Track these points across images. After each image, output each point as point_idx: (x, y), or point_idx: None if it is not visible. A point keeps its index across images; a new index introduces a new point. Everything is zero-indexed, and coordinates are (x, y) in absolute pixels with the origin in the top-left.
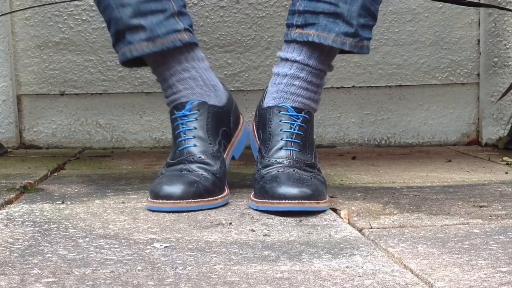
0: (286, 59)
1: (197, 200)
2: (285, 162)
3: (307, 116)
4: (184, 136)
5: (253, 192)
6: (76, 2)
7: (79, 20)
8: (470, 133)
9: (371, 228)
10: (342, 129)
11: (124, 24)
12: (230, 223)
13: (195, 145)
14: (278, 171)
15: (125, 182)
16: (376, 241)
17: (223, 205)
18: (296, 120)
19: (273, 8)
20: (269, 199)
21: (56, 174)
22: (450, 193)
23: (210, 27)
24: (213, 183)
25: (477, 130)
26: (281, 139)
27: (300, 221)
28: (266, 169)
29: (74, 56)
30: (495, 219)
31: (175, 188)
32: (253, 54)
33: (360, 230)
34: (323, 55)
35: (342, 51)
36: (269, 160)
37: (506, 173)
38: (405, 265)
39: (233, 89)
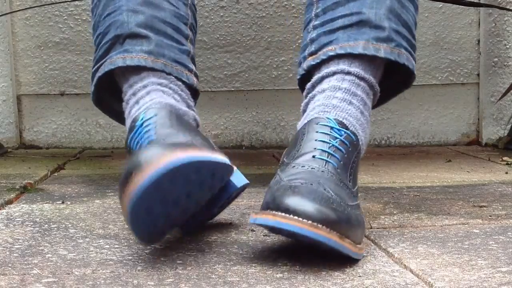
0: (313, 87)
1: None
2: (317, 172)
3: (352, 137)
4: None
5: None
6: (76, 2)
7: (79, 20)
8: (470, 133)
9: (371, 228)
10: None
11: (129, 29)
12: (230, 223)
13: None
14: (302, 183)
15: None
16: (376, 241)
17: None
18: (338, 135)
19: (273, 8)
20: (271, 210)
21: (56, 174)
22: (450, 193)
23: (210, 27)
24: None
25: (477, 130)
26: (315, 149)
27: None
28: (289, 176)
29: (74, 56)
30: (495, 219)
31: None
32: (253, 54)
33: None
34: (362, 64)
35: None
36: (294, 166)
37: (506, 173)
38: (405, 265)
39: (233, 89)
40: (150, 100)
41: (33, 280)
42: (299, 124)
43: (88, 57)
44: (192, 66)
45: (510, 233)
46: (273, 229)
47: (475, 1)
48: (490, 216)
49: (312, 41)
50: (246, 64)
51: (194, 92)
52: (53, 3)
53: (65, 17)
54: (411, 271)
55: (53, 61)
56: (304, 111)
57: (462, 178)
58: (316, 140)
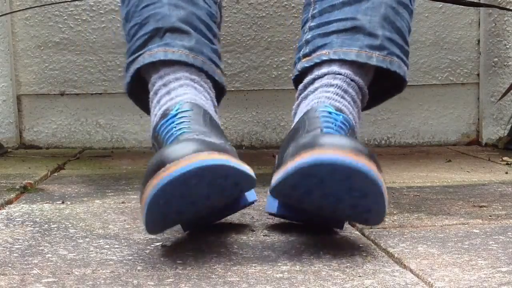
0: (305, 88)
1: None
2: (332, 126)
3: (352, 122)
4: None
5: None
6: (76, 2)
7: (79, 20)
8: (470, 133)
9: (371, 228)
10: None
11: (171, 23)
12: (230, 223)
13: None
14: (320, 130)
15: (125, 182)
16: (376, 241)
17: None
18: (337, 119)
19: (273, 8)
20: (304, 149)
21: (56, 174)
22: (450, 193)
23: None
24: None
25: (477, 130)
26: (322, 125)
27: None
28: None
29: (74, 56)
30: (495, 219)
31: None
32: (253, 54)
33: (360, 230)
34: (352, 68)
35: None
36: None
37: (506, 173)
38: (405, 265)
39: (233, 89)
40: (184, 94)
41: (33, 280)
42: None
43: (88, 57)
44: (222, 65)
45: (510, 233)
46: (312, 168)
47: (475, 1)
48: (490, 216)
49: (307, 42)
50: (246, 64)
51: (221, 91)
52: (53, 3)
53: (65, 17)
54: (411, 271)
55: (53, 61)
56: (295, 113)
57: (462, 178)
58: (320, 120)
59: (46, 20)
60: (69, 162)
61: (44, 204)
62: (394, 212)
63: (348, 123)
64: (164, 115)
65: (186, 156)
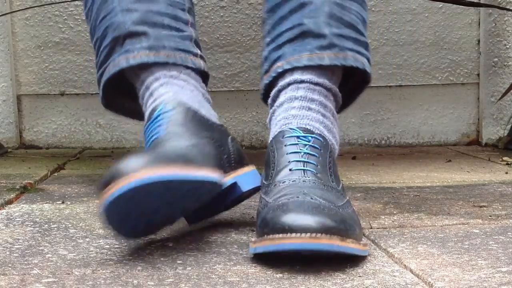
0: (273, 101)
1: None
2: (298, 183)
3: (320, 139)
4: None
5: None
6: (76, 2)
7: (79, 20)
8: (470, 133)
9: (371, 228)
10: (342, 129)
11: (126, 29)
12: (230, 223)
13: None
14: (288, 199)
15: None
16: (376, 241)
17: None
18: (306, 141)
19: None
20: (268, 235)
21: (56, 174)
22: (450, 193)
23: (210, 27)
24: None
25: (477, 130)
26: (289, 162)
27: None
28: (273, 196)
29: (74, 56)
30: (495, 219)
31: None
32: (253, 54)
33: None
34: (314, 71)
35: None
36: (275, 185)
37: (506, 173)
38: (405, 265)
39: (233, 89)
40: (166, 93)
41: (33, 280)
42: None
43: (88, 57)
44: (196, 50)
45: (510, 233)
46: (277, 252)
47: (475, 1)
48: (490, 216)
49: (265, 59)
50: (246, 64)
51: (204, 74)
52: (53, 3)
53: (65, 17)
54: (411, 271)
55: (53, 61)
56: (270, 128)
57: (462, 178)
58: (287, 153)
59: (46, 20)
60: (69, 162)
61: (44, 204)
62: (394, 212)
63: (318, 141)
64: (149, 117)
65: (127, 174)
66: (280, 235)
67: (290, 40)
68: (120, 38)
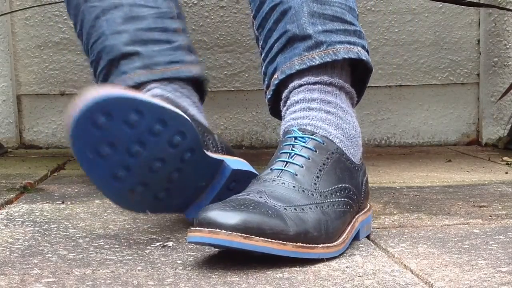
0: (287, 108)
1: None
2: (266, 182)
3: (319, 140)
4: None
5: None
6: None
7: None
8: (470, 133)
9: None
10: None
11: (119, 51)
12: None
13: None
14: (241, 195)
15: None
16: (376, 241)
17: None
18: (302, 142)
19: None
20: (195, 227)
21: (56, 174)
22: (450, 193)
23: (210, 27)
24: None
25: (477, 130)
26: (275, 161)
27: None
28: (242, 192)
29: (74, 56)
30: (495, 219)
31: None
32: (253, 54)
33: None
34: (310, 72)
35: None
36: (252, 181)
37: (506, 173)
38: (405, 265)
39: (233, 89)
40: None
41: (33, 280)
42: None
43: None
44: (188, 57)
45: (510, 233)
46: (197, 244)
47: (475, 1)
48: (490, 216)
49: (264, 74)
50: (246, 64)
51: (198, 79)
52: (53, 3)
53: (65, 17)
54: (411, 271)
55: (53, 61)
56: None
57: (462, 178)
58: (279, 153)
59: (46, 20)
60: (69, 162)
61: (44, 204)
62: (394, 212)
63: (315, 143)
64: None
65: (85, 95)
66: (198, 229)
67: (280, 50)
68: (115, 61)
